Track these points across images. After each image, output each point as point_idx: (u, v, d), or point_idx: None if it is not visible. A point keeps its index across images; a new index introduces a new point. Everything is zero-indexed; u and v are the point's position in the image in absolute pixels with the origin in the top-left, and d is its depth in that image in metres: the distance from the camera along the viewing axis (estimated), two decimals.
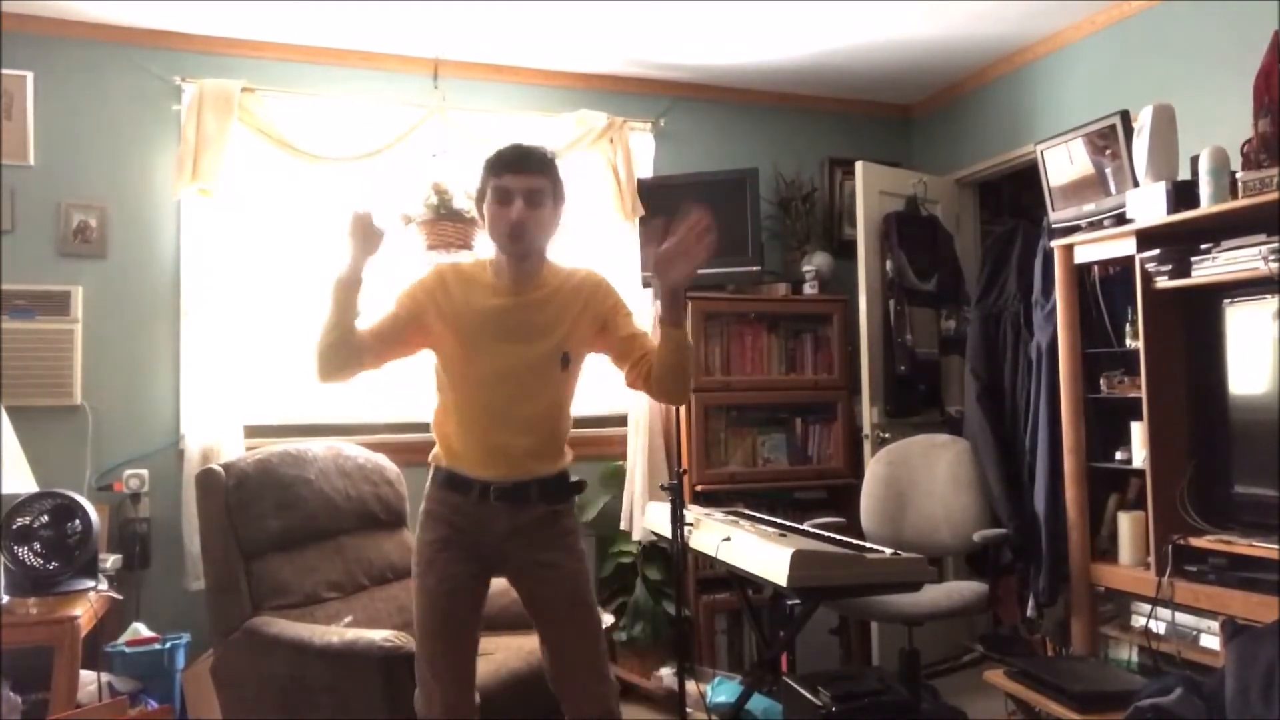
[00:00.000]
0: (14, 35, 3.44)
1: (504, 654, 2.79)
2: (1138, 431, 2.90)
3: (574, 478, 2.23)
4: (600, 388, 3.36)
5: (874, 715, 2.57)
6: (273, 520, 2.87)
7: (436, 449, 2.20)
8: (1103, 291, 3.18)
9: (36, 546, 2.89)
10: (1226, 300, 2.71)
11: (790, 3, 3.48)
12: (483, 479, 2.11)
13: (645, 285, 3.90)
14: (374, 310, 2.13)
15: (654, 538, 3.60)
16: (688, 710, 2.66)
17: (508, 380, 2.11)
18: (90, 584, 2.95)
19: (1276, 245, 2.42)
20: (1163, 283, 2.78)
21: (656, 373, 2.13)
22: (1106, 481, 3.08)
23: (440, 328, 2.13)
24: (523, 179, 2.08)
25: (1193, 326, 2.84)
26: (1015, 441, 3.52)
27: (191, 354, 3.56)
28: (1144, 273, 2.81)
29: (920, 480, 3.51)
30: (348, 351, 2.06)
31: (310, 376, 2.12)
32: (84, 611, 2.77)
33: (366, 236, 2.05)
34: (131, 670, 3.07)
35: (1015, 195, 4.80)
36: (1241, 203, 2.51)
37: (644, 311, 3.79)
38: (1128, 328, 3.00)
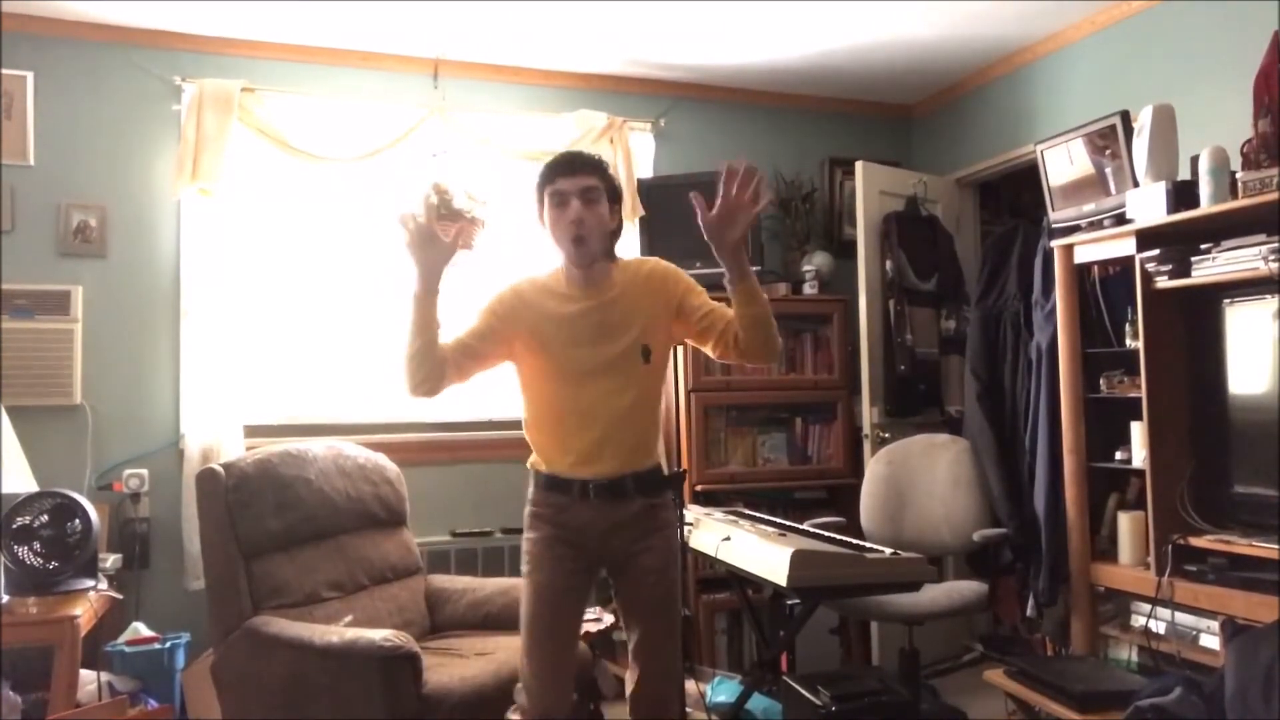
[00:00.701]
0: (14, 35, 3.44)
1: (504, 654, 2.78)
2: (1138, 431, 2.90)
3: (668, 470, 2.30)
4: None
5: (874, 715, 2.57)
6: (273, 520, 2.87)
7: (534, 456, 2.28)
8: (1103, 291, 3.18)
9: (36, 546, 2.89)
10: (1226, 300, 2.71)
11: (790, 3, 3.48)
12: (581, 478, 2.17)
13: None
14: (458, 325, 2.19)
15: None
16: (688, 710, 2.66)
17: (593, 381, 2.17)
18: (90, 584, 2.94)
19: (1276, 245, 2.42)
20: (1163, 283, 2.78)
21: (742, 333, 2.13)
22: (1106, 481, 3.08)
23: (522, 340, 2.20)
24: (575, 180, 2.15)
25: (1193, 326, 2.84)
26: (1015, 441, 3.52)
27: (191, 354, 3.56)
28: (1144, 273, 2.81)
29: (920, 480, 3.51)
30: (431, 363, 2.10)
31: (401, 389, 2.16)
32: (84, 611, 2.77)
33: (427, 247, 2.07)
34: (131, 670, 3.07)
35: (1015, 195, 4.80)
36: (1241, 203, 2.51)
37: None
38: (1128, 328, 3.00)
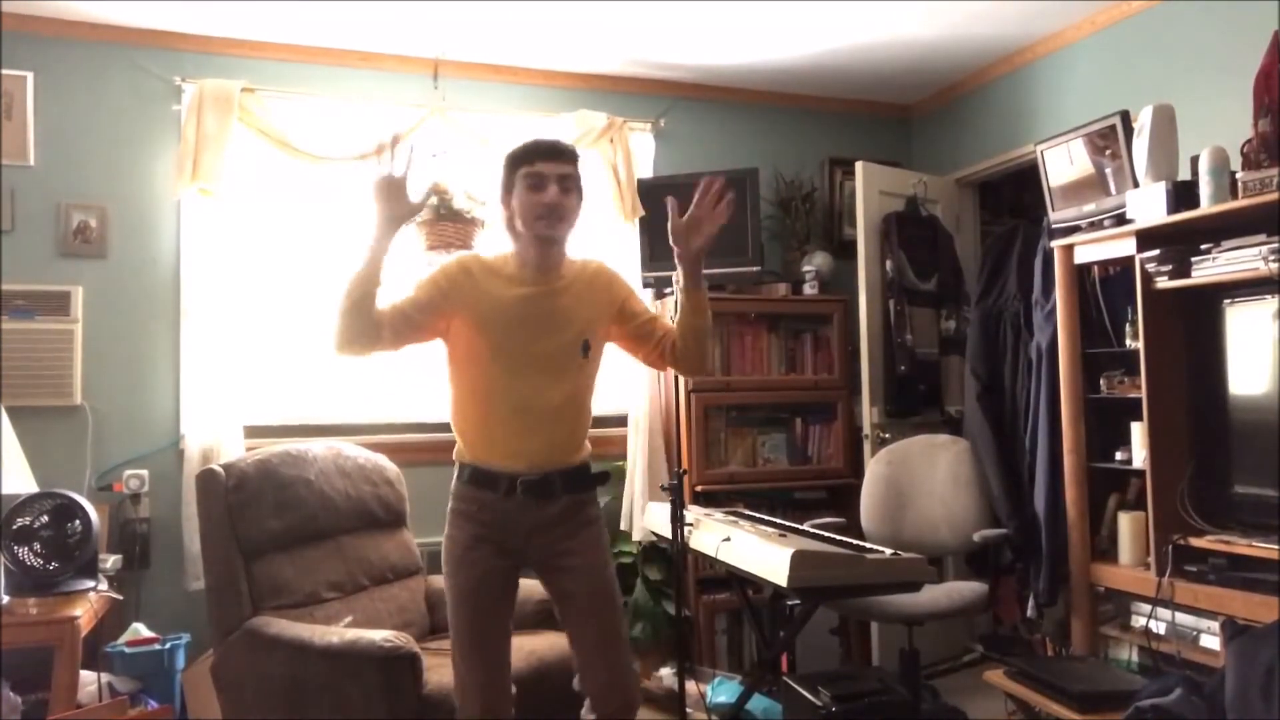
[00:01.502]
0: (14, 35, 3.44)
1: None
2: (1138, 431, 2.90)
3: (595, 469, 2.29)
4: (600, 387, 3.36)
5: (874, 715, 2.57)
6: (273, 520, 2.87)
7: (459, 445, 2.21)
8: (1103, 291, 3.18)
9: (36, 546, 2.89)
10: (1226, 300, 2.71)
11: (790, 3, 3.48)
12: (508, 472, 2.13)
13: (646, 285, 3.90)
14: (396, 292, 2.12)
15: (654, 538, 3.61)
16: (688, 710, 2.66)
17: (530, 369, 2.14)
18: (90, 584, 2.94)
19: (1276, 245, 2.42)
20: (1163, 283, 2.78)
21: (680, 342, 2.21)
22: (1106, 481, 3.08)
23: (461, 315, 2.14)
24: (556, 165, 2.14)
25: (1193, 327, 2.84)
26: (1015, 441, 3.52)
27: (191, 354, 3.56)
28: (1144, 273, 2.81)
29: (920, 480, 3.51)
30: (365, 321, 2.03)
31: (328, 349, 2.09)
32: (84, 611, 2.77)
33: (393, 200, 2.04)
34: (131, 670, 3.07)
35: (1015, 195, 4.80)
36: (1241, 203, 2.51)
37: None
38: (1128, 328, 3.00)
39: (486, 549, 2.15)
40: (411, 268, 3.66)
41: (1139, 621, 2.84)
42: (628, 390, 3.98)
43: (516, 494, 2.12)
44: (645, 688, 3.63)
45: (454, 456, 2.23)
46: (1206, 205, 2.63)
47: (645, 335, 2.28)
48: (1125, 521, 2.95)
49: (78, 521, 2.94)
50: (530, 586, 3.17)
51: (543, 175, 2.12)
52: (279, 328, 3.78)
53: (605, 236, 3.98)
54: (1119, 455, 3.00)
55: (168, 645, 3.16)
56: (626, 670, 2.20)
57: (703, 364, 2.28)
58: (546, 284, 2.18)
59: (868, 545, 2.69)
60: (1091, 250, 3.05)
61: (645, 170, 4.17)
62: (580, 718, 2.28)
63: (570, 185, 2.15)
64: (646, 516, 3.34)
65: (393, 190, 2.04)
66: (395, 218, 2.05)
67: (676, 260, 2.18)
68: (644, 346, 2.29)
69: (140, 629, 3.21)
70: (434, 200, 3.50)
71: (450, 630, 2.19)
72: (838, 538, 2.73)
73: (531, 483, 2.13)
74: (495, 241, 3.67)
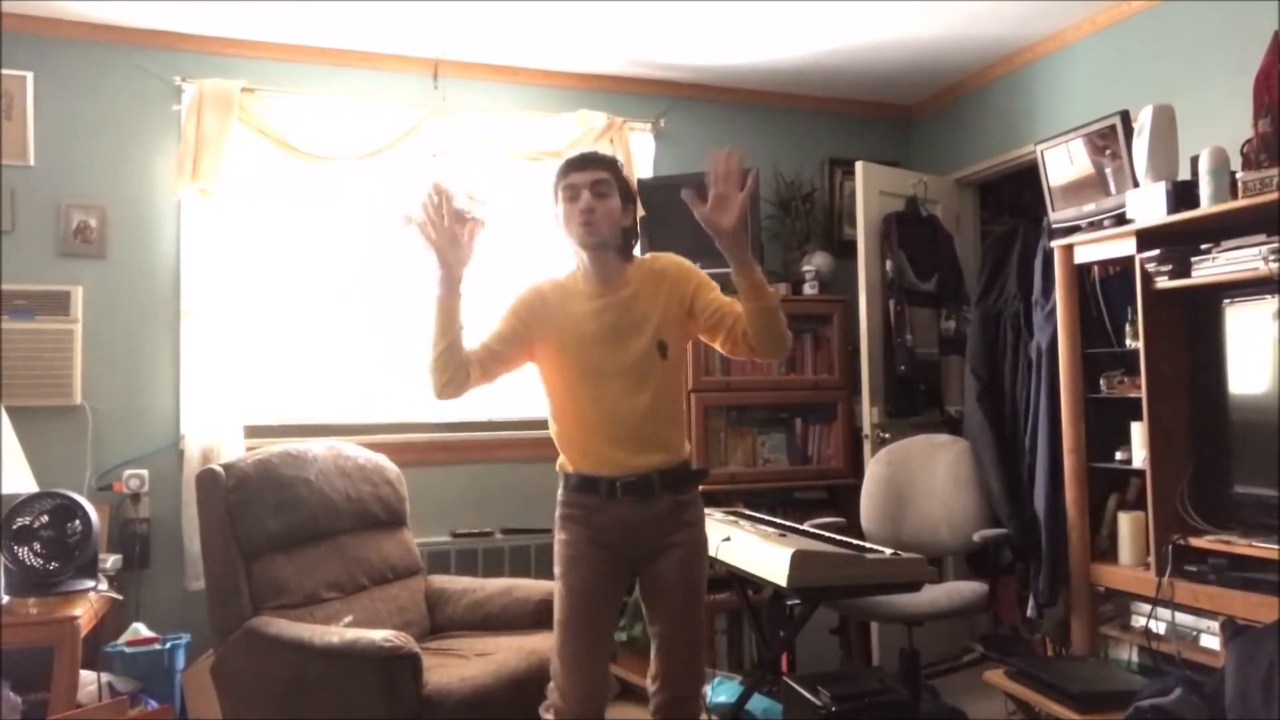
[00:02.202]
0: (14, 35, 3.44)
1: (504, 654, 2.79)
2: (1138, 431, 2.90)
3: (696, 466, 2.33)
4: None
5: (874, 715, 2.57)
6: (273, 520, 2.87)
7: (562, 457, 2.29)
8: (1103, 291, 3.18)
9: (36, 546, 2.89)
10: (1226, 300, 2.71)
11: (790, 3, 3.48)
12: (608, 476, 2.19)
13: None
14: (482, 328, 2.22)
15: None
16: None
17: (612, 378, 2.19)
18: (90, 584, 2.94)
19: (1276, 245, 2.42)
20: (1163, 283, 2.78)
21: (751, 328, 2.13)
22: (1106, 481, 3.08)
23: (543, 341, 2.23)
24: (586, 173, 2.20)
25: (1193, 326, 2.84)
26: (1015, 441, 3.52)
27: (191, 354, 3.56)
28: (1144, 273, 2.81)
29: (920, 480, 3.51)
30: (455, 366, 2.12)
31: (427, 393, 2.18)
32: (84, 611, 2.77)
33: (450, 248, 2.12)
34: (131, 670, 3.07)
35: (1015, 195, 4.79)
36: (1241, 203, 2.51)
37: None
38: (1128, 328, 3.00)
39: (594, 550, 2.21)
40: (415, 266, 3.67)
41: (1139, 621, 2.84)
42: None
43: (618, 495, 2.18)
44: (645, 687, 3.62)
45: (557, 468, 2.29)
46: (1206, 205, 2.63)
47: (718, 325, 2.20)
48: (1125, 521, 2.95)
49: (78, 521, 2.94)
50: (530, 586, 3.19)
51: (575, 185, 2.19)
52: (279, 328, 3.78)
53: None
54: (1119, 455, 3.00)
55: (168, 645, 3.16)
56: (693, 672, 2.26)
57: (780, 344, 2.16)
58: (613, 294, 2.23)
59: (868, 545, 2.69)
60: (1091, 250, 3.05)
61: (645, 170, 4.17)
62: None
63: (605, 189, 2.19)
64: None
65: (447, 240, 2.13)
66: (457, 264, 2.13)
67: (719, 247, 2.08)
68: (720, 335, 2.21)
69: (140, 629, 3.21)
70: (434, 200, 3.49)
71: (555, 626, 2.23)
72: (838, 538, 2.73)
73: (631, 484, 2.18)
74: (495, 242, 3.69)
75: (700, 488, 3.68)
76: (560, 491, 2.28)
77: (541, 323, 2.23)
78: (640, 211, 3.93)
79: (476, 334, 2.19)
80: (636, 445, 2.19)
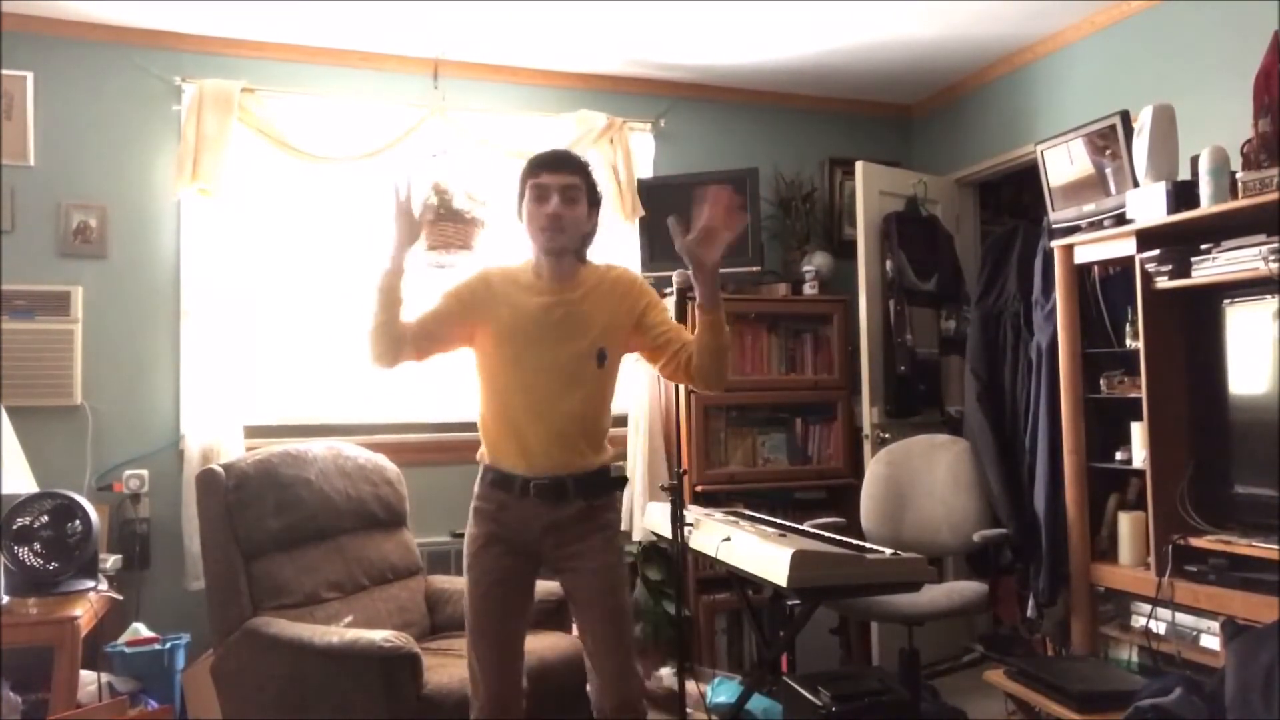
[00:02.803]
0: (14, 35, 3.44)
1: None
2: (1138, 431, 2.90)
3: (615, 474, 2.32)
4: None
5: (874, 715, 2.57)
6: (273, 520, 2.87)
7: (482, 447, 2.29)
8: (1103, 291, 3.18)
9: (36, 546, 2.89)
10: (1226, 300, 2.71)
11: (790, 3, 3.48)
12: (523, 475, 2.19)
13: None
14: (420, 305, 2.24)
15: (654, 538, 3.60)
16: (688, 710, 2.65)
17: (545, 376, 2.18)
18: (90, 584, 2.94)
19: (1276, 245, 2.42)
20: (1163, 283, 2.78)
21: (697, 359, 2.16)
22: (1106, 481, 3.08)
23: (483, 326, 2.22)
24: (558, 176, 2.19)
25: (1193, 326, 2.84)
26: (1015, 441, 3.52)
27: (191, 354, 3.56)
28: (1144, 273, 2.81)
29: (920, 480, 3.51)
30: (391, 337, 2.16)
31: (363, 363, 2.24)
32: (84, 611, 2.77)
33: (408, 221, 2.16)
34: (131, 670, 3.07)
35: (1015, 195, 4.80)
36: (1241, 203, 2.51)
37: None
38: (1128, 328, 3.00)
39: (500, 548, 2.22)
40: (419, 267, 3.67)
41: (1139, 621, 2.84)
42: (628, 390, 3.98)
43: (530, 495, 2.17)
44: (645, 688, 3.62)
45: (477, 458, 2.29)
46: (1206, 205, 2.63)
47: (662, 347, 2.24)
48: (1125, 521, 2.95)
49: (78, 521, 2.94)
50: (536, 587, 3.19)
51: (546, 187, 2.18)
52: (279, 328, 3.78)
53: (605, 236, 3.97)
54: (1119, 455, 3.00)
55: (168, 645, 3.16)
56: (628, 673, 2.22)
57: (720, 381, 2.20)
58: (562, 293, 2.22)
59: (868, 545, 2.69)
60: (1091, 250, 3.05)
61: (645, 170, 4.17)
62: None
63: (575, 195, 2.19)
64: (646, 516, 3.34)
65: (406, 213, 2.16)
66: (409, 239, 2.17)
67: (692, 278, 2.12)
68: (662, 358, 2.25)
69: (140, 629, 3.21)
70: (434, 200, 3.49)
71: (466, 625, 2.24)
72: (838, 538, 2.73)
73: (544, 485, 2.18)
74: (495, 241, 3.69)
75: (700, 488, 3.68)
76: (476, 484, 2.28)
77: (483, 309, 2.22)
78: (640, 211, 3.98)
79: (416, 309, 2.22)
80: (556, 447, 2.19)
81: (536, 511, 2.19)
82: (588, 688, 2.28)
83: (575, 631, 2.29)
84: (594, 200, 2.26)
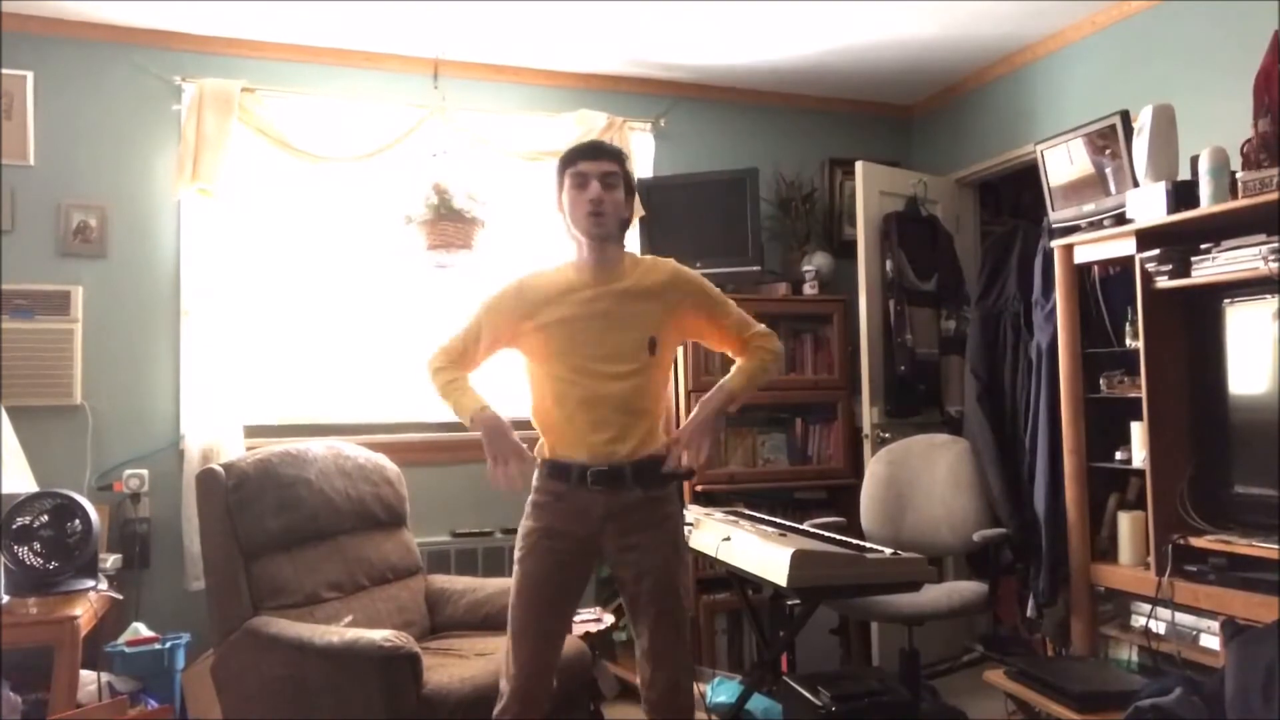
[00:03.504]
0: (14, 35, 3.44)
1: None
2: (1138, 431, 2.90)
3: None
4: None
5: (874, 715, 2.57)
6: (273, 520, 2.87)
7: (539, 442, 2.30)
8: (1103, 291, 3.18)
9: (36, 546, 2.88)
10: (1226, 300, 2.71)
11: (790, 3, 3.48)
12: (579, 463, 2.20)
13: None
14: (458, 323, 2.35)
15: None
16: None
17: (596, 367, 2.21)
18: (90, 584, 2.94)
19: (1276, 245, 2.42)
20: (1163, 283, 2.78)
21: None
22: (1106, 481, 3.08)
23: (524, 332, 2.26)
24: (597, 164, 2.23)
25: (1193, 326, 2.84)
26: (1015, 441, 3.52)
27: (191, 354, 3.56)
28: (1144, 273, 2.81)
29: (920, 480, 3.51)
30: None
31: (427, 393, 2.35)
32: (84, 611, 2.77)
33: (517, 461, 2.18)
34: (131, 670, 3.07)
35: (1015, 195, 4.80)
36: (1241, 203, 2.51)
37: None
38: (1128, 328, 3.00)
39: (556, 539, 2.22)
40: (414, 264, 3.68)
41: (1139, 621, 2.84)
42: None
43: (588, 483, 2.19)
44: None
45: (534, 453, 2.29)
46: (1206, 205, 2.63)
47: (724, 341, 2.42)
48: (1125, 521, 2.95)
49: (78, 521, 2.94)
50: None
51: (585, 174, 2.21)
52: (279, 328, 3.78)
53: None
54: (1119, 455, 3.00)
55: (168, 645, 3.16)
56: (678, 688, 2.22)
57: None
58: (608, 283, 2.25)
59: (868, 545, 2.69)
60: (1091, 250, 3.05)
61: (645, 170, 4.17)
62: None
63: (613, 181, 2.23)
64: None
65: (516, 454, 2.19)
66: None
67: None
68: (726, 348, 2.43)
69: (140, 629, 3.21)
70: (434, 200, 3.50)
71: (509, 615, 2.23)
72: (838, 537, 2.73)
73: (601, 472, 2.19)
74: (495, 242, 3.69)
75: (700, 488, 3.68)
76: (534, 478, 2.30)
77: (521, 316, 2.26)
78: (640, 211, 3.98)
79: (455, 330, 2.32)
80: (612, 435, 2.20)
81: (595, 499, 2.19)
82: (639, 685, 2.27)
83: (629, 629, 2.28)
84: (630, 187, 2.30)
